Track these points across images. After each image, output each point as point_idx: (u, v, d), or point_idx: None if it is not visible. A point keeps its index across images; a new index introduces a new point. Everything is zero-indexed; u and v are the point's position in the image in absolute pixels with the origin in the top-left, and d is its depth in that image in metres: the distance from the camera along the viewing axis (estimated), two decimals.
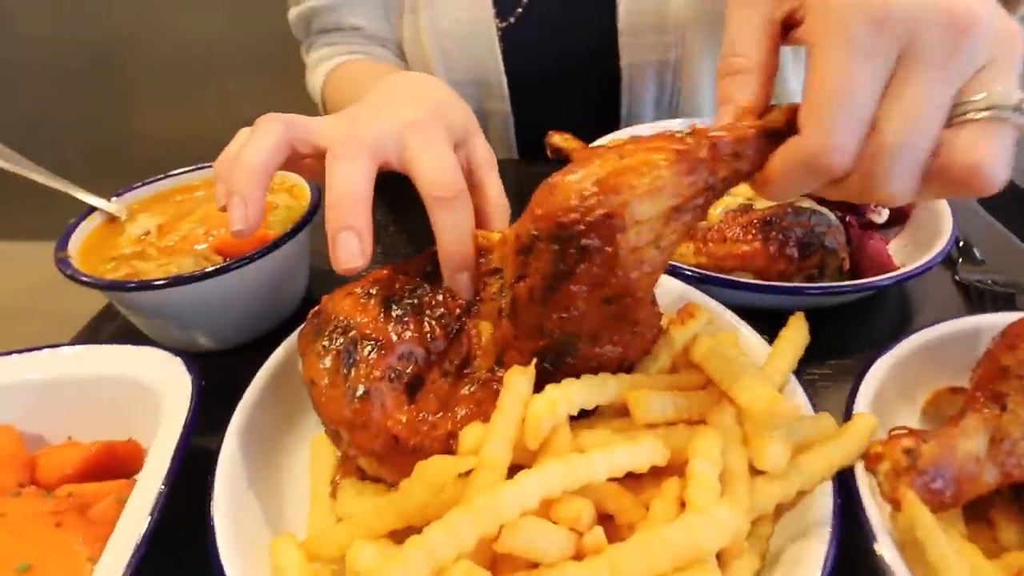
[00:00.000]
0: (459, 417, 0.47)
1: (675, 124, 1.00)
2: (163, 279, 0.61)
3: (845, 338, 0.66)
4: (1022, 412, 0.44)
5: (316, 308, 0.53)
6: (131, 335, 0.71)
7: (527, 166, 1.17)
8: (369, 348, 0.48)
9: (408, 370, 0.48)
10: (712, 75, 1.15)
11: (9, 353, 0.58)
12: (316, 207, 0.70)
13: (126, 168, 1.20)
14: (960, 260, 0.80)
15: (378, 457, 0.47)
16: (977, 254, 0.81)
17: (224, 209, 0.54)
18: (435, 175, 0.51)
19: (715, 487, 0.40)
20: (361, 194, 0.49)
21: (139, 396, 0.54)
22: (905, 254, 0.76)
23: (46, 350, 0.58)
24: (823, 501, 0.44)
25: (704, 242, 0.67)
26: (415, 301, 0.51)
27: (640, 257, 0.41)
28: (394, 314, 0.50)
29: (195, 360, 0.55)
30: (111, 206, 0.75)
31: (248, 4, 2.02)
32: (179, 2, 2.04)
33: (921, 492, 0.41)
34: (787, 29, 0.43)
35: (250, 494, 0.50)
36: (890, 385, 0.54)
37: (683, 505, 0.40)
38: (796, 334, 0.53)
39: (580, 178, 0.40)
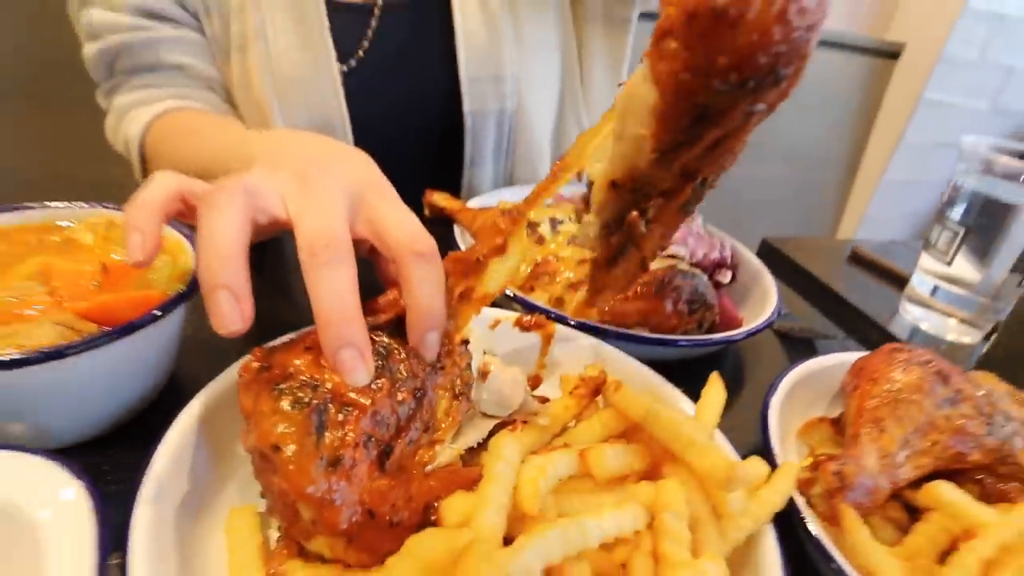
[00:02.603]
0: (432, 487, 0.46)
1: None
2: (29, 354, 0.45)
3: (699, 384, 0.63)
4: (897, 432, 0.56)
5: (260, 363, 0.46)
6: None
7: None
8: (342, 410, 0.44)
9: (383, 436, 0.45)
10: (541, 127, 1.24)
11: None
12: None
13: None
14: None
15: (349, 536, 0.42)
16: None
17: (139, 265, 0.45)
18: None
19: (687, 539, 0.44)
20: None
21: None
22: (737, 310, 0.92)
23: None
24: (767, 540, 0.48)
25: None
26: (380, 363, 0.48)
27: None
28: None
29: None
30: None
31: None
32: None
33: (852, 506, 0.51)
34: None
35: None
36: (776, 420, 0.65)
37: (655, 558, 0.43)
38: (716, 392, 0.59)
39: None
